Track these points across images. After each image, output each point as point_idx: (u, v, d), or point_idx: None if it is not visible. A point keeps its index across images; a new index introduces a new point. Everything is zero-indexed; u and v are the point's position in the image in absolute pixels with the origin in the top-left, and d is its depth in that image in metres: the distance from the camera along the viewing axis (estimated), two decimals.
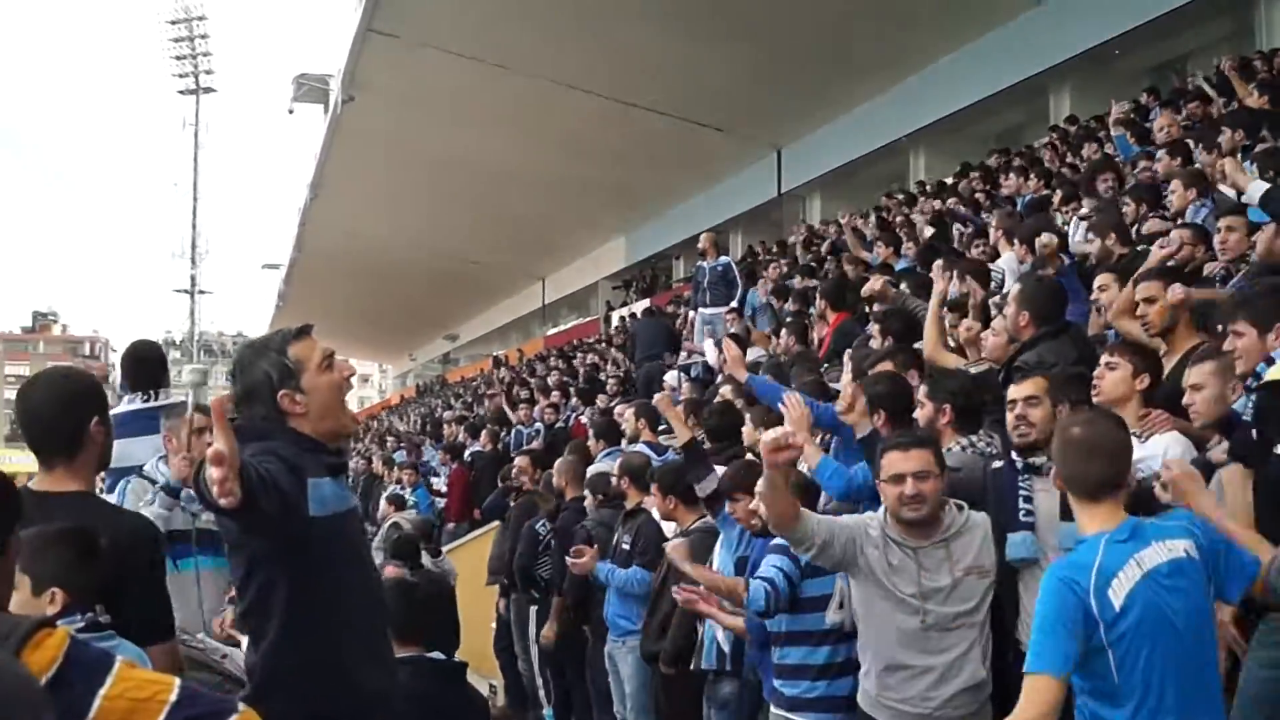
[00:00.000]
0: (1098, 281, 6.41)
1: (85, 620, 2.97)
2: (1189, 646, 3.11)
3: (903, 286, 8.98)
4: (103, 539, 3.09)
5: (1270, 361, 3.88)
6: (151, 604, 3.33)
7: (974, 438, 4.83)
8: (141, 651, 3.02)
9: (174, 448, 4.85)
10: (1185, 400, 4.20)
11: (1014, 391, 4.45)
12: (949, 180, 17.06)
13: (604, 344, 25.51)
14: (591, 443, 9.67)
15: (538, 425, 15.01)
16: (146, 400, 5.33)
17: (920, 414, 5.02)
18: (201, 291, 78.89)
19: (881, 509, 4.29)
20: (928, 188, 17.74)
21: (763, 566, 4.89)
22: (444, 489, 15.37)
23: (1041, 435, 4.29)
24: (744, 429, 6.86)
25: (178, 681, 2.18)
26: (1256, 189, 5.84)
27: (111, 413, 5.37)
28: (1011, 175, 12.95)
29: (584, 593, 7.77)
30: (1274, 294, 4.23)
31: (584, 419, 14.87)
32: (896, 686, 4.20)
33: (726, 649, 5.68)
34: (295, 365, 3.15)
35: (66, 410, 3.38)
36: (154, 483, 4.77)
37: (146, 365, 5.50)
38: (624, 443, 9.11)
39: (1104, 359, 4.68)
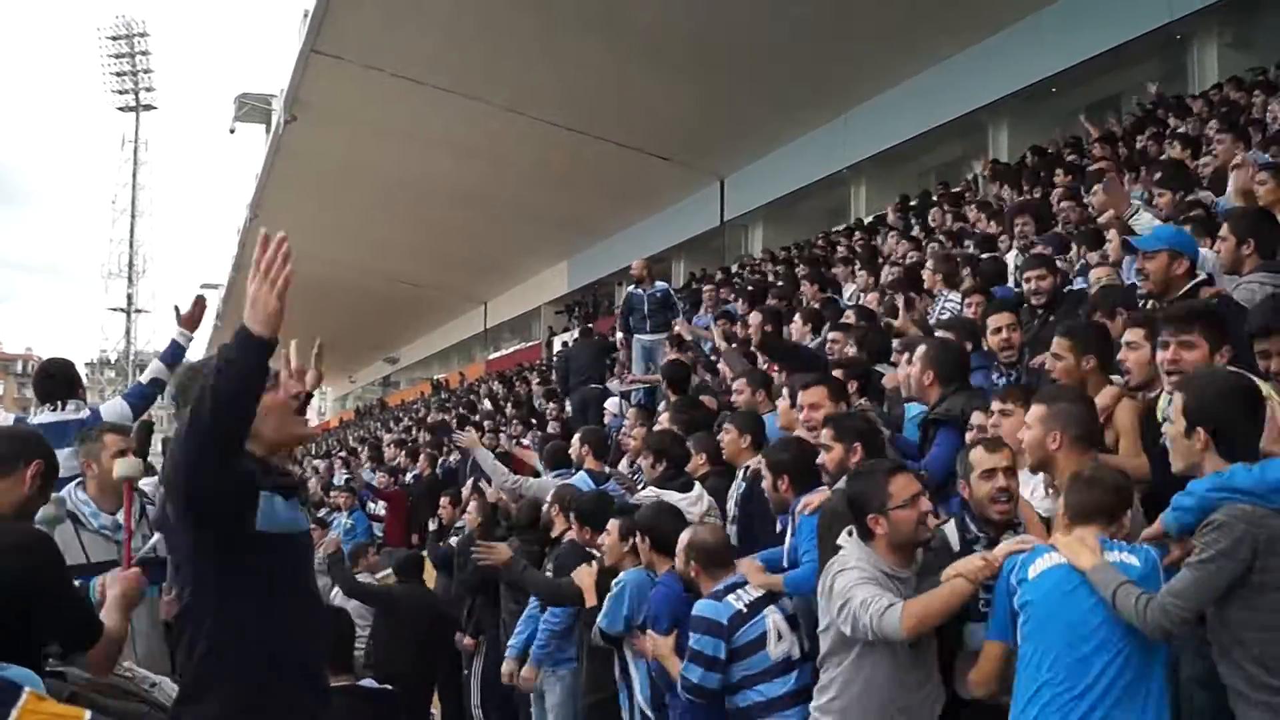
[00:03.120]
0: (991, 323, 6.47)
1: None
2: (1101, 643, 3.43)
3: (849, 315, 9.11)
4: None
5: None
6: (68, 611, 3.29)
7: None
8: (38, 679, 2.95)
9: (92, 473, 4.79)
10: (1019, 434, 4.29)
11: (989, 461, 4.19)
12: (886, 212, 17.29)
13: (547, 369, 25.43)
14: (541, 465, 9.69)
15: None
16: (54, 410, 5.51)
17: (829, 457, 4.97)
18: (138, 310, 77.92)
19: (862, 548, 4.16)
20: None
21: (684, 669, 5.02)
22: (381, 512, 15.20)
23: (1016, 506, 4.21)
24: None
25: (88, 714, 2.13)
26: (1145, 220, 5.98)
27: (31, 421, 5.46)
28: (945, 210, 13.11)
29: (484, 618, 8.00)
30: (1233, 314, 4.34)
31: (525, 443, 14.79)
32: None
33: (650, 712, 5.68)
34: None
35: (10, 436, 3.70)
36: (71, 515, 4.64)
37: (54, 380, 5.66)
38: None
39: (996, 406, 4.75)
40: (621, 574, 5.85)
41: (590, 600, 6.12)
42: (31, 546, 3.37)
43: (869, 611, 3.86)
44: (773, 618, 4.94)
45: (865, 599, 3.91)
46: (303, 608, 3.28)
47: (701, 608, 5.02)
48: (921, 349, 5.84)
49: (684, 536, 5.35)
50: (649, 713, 5.66)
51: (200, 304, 6.23)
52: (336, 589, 9.98)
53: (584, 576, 6.26)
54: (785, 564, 5.23)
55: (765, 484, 5.44)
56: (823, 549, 4.67)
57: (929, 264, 9.56)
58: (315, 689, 3.31)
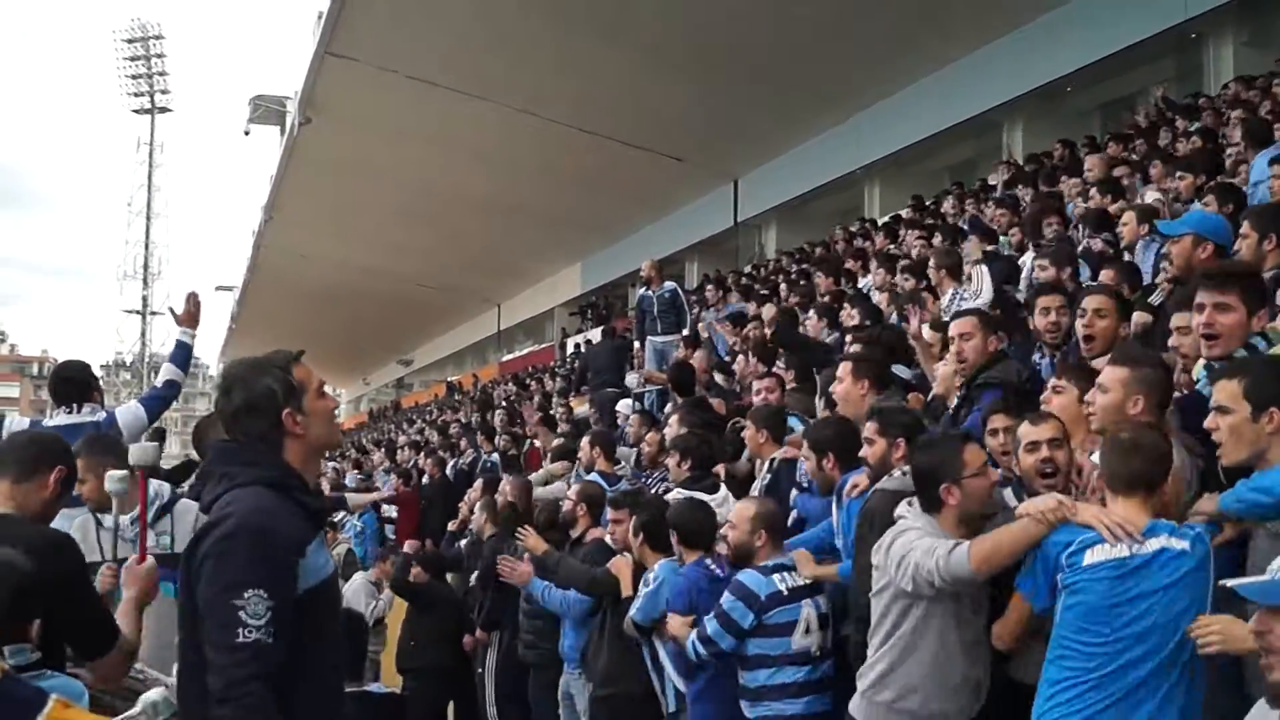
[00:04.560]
0: (1040, 303, 6.38)
1: None
2: (1148, 648, 3.36)
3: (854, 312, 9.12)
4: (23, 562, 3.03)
5: (1250, 348, 3.98)
6: (87, 616, 3.38)
7: None
8: (80, 686, 2.96)
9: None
10: (1087, 396, 4.16)
11: (1032, 434, 4.14)
12: (903, 213, 17.23)
13: (562, 369, 25.44)
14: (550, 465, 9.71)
15: (495, 455, 14.77)
16: (70, 413, 5.57)
17: (871, 451, 4.92)
18: (153, 312, 78.36)
19: (926, 519, 4.08)
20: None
21: (706, 621, 5.15)
22: (394, 514, 15.19)
23: (1064, 481, 4.08)
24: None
25: None
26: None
27: (47, 423, 5.49)
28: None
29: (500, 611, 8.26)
30: (1265, 279, 4.25)
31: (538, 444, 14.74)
32: None
33: (685, 690, 5.72)
34: (298, 386, 3.12)
35: (35, 441, 3.94)
36: (99, 523, 4.66)
37: (70, 383, 5.71)
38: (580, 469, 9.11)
39: (1051, 383, 4.67)
40: (656, 567, 5.94)
41: (627, 590, 6.17)
42: (61, 547, 3.48)
43: (935, 555, 3.77)
44: (808, 610, 5.06)
45: (930, 546, 3.83)
46: (329, 652, 3.11)
47: (745, 575, 5.16)
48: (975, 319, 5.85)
49: (752, 507, 5.44)
50: (684, 689, 5.73)
51: (193, 301, 6.23)
52: (350, 588, 10.03)
53: (622, 567, 6.30)
54: (840, 544, 5.27)
55: (809, 465, 5.54)
56: (860, 548, 4.67)
57: (931, 260, 9.53)
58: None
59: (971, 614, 4.01)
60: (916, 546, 3.87)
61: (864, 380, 5.66)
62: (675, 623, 5.44)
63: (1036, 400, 4.80)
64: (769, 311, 10.24)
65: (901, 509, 4.15)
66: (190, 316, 6.14)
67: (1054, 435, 4.12)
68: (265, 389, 3.06)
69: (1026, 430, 4.17)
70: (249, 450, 3.04)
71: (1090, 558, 3.45)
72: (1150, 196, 8.34)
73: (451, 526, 11.04)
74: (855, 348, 7.90)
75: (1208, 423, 3.54)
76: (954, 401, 5.88)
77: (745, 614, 5.02)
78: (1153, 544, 3.42)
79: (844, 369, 5.80)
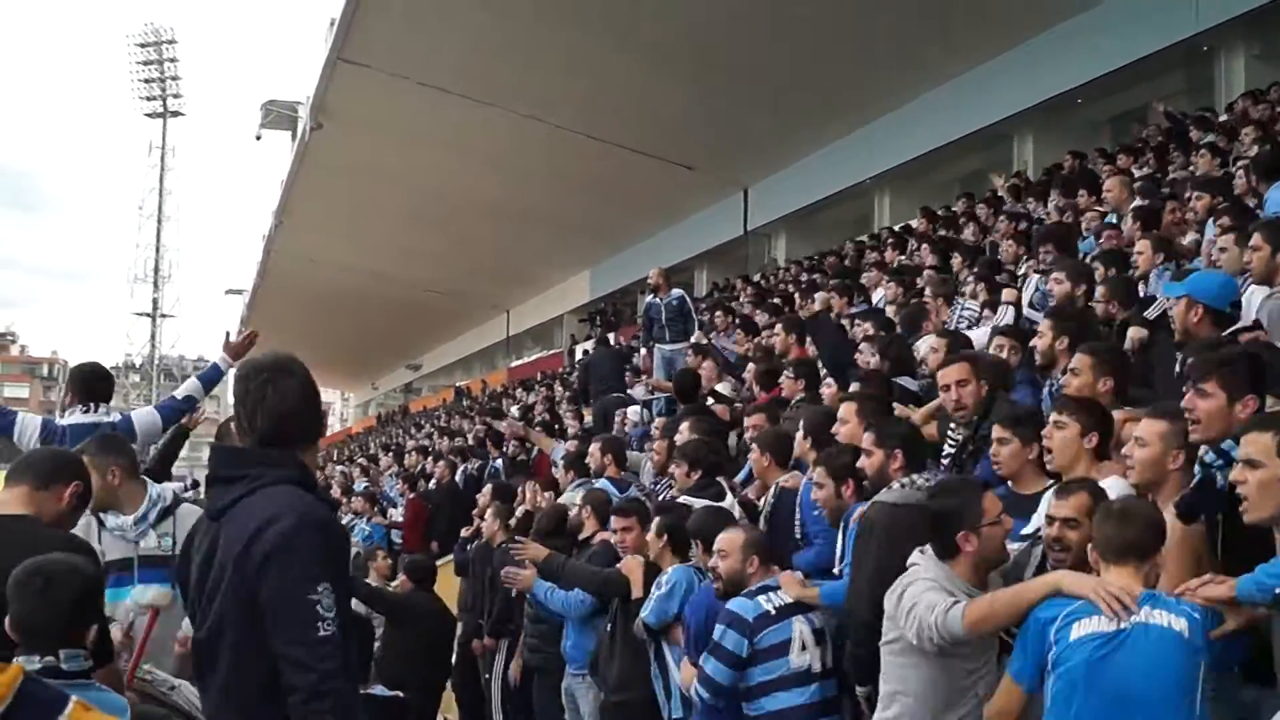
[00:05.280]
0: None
1: (43, 664, 2.96)
2: (1134, 707, 3.26)
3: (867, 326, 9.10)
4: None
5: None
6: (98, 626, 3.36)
7: (914, 476, 4.74)
8: (123, 702, 3.01)
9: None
10: (1125, 450, 4.07)
11: (1051, 508, 4.01)
12: (913, 223, 17.21)
13: (571, 375, 25.44)
14: (560, 474, 9.70)
15: (499, 461, 14.79)
16: (86, 412, 5.60)
17: (869, 462, 4.91)
18: (164, 315, 78.52)
19: (939, 565, 4.00)
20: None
21: (703, 662, 5.09)
22: (401, 519, 15.22)
23: (1077, 559, 3.85)
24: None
25: None
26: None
27: (60, 422, 5.54)
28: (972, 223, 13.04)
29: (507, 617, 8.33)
30: (1251, 363, 4.08)
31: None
32: None
33: (691, 695, 5.70)
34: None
35: (55, 455, 4.13)
36: (101, 523, 4.68)
37: (89, 382, 5.77)
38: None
39: (1052, 418, 4.53)
40: (670, 571, 5.91)
41: (637, 592, 6.15)
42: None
43: (935, 612, 3.73)
44: (799, 627, 5.00)
45: (932, 602, 3.78)
46: (349, 653, 3.02)
47: (733, 603, 5.10)
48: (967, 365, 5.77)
49: (741, 534, 5.40)
50: (690, 695, 5.64)
51: (250, 341, 6.23)
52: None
53: (633, 568, 6.27)
54: (837, 570, 5.22)
55: (824, 493, 5.41)
56: (857, 561, 4.66)
57: (928, 290, 9.51)
58: None
59: (981, 668, 3.97)
60: (921, 600, 3.82)
61: (868, 420, 5.59)
62: (686, 674, 5.35)
63: (1042, 421, 4.77)
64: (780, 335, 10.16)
65: (915, 556, 4.08)
66: (238, 351, 6.15)
67: (1070, 515, 3.93)
68: (314, 389, 3.06)
69: (1051, 502, 4.04)
70: (264, 452, 2.95)
71: (1077, 631, 3.36)
72: (1190, 238, 8.24)
73: (465, 532, 11.04)
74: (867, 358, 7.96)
75: (1233, 475, 3.38)
76: (948, 448, 5.80)
77: (739, 641, 4.94)
78: (1144, 615, 3.32)
79: (847, 409, 5.77)
